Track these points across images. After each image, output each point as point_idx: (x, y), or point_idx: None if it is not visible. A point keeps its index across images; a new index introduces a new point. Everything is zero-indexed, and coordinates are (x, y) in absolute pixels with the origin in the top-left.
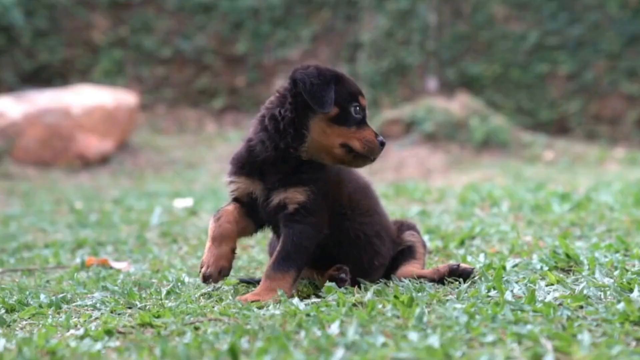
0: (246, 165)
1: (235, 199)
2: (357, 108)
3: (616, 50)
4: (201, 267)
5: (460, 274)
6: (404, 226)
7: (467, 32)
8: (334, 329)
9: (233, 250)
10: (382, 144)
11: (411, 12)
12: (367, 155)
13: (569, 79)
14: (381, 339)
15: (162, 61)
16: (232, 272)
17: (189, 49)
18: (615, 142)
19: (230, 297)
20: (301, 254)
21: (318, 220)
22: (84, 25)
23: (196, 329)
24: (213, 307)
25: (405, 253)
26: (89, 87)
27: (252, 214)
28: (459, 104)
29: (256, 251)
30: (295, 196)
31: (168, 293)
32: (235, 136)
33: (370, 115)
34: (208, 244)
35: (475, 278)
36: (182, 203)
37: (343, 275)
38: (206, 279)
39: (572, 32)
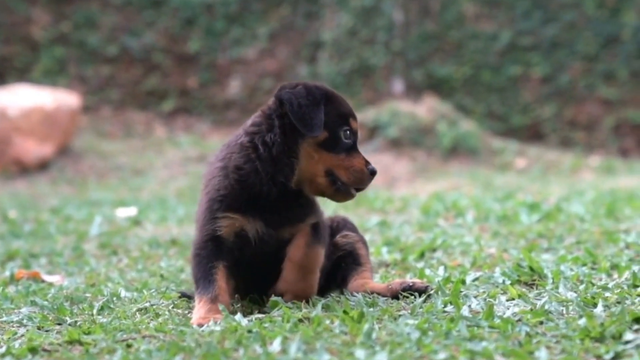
0: (241, 200)
1: (217, 237)
2: (348, 132)
3: (593, 52)
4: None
5: (414, 292)
6: (335, 224)
7: (435, 31)
8: (275, 346)
9: None
10: (373, 173)
11: (376, 9)
12: (352, 187)
13: (542, 82)
14: (326, 357)
15: (108, 60)
16: (173, 286)
17: (137, 47)
18: (591, 150)
19: (167, 313)
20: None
21: (324, 247)
22: (23, 20)
23: (128, 346)
24: (149, 323)
25: (348, 261)
26: (27, 86)
27: (232, 267)
28: (426, 108)
29: None
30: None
31: (101, 308)
32: (186, 141)
33: None
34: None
35: (432, 292)
36: (125, 212)
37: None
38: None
39: (547, 33)
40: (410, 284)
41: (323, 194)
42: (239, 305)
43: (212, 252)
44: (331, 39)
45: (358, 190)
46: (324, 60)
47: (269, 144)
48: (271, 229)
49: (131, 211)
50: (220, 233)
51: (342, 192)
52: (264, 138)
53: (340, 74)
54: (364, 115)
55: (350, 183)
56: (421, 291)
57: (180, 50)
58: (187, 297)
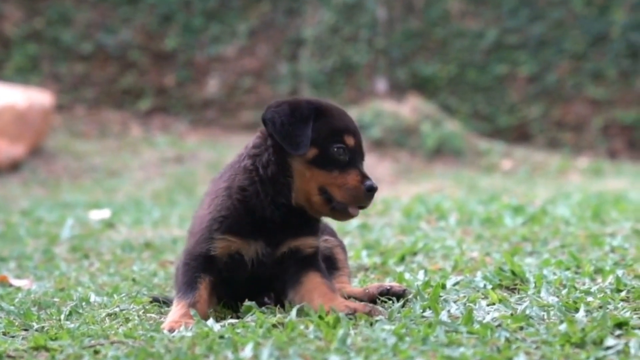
0: (243, 222)
1: (210, 256)
2: (341, 149)
3: (581, 51)
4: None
5: (392, 296)
6: None
7: (419, 28)
8: (247, 351)
9: None
10: (370, 190)
11: (358, 5)
12: (350, 206)
13: (529, 82)
14: None
15: (82, 57)
16: (145, 290)
17: (112, 44)
18: (578, 151)
19: (137, 318)
20: None
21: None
22: None
23: (96, 352)
24: (118, 328)
25: (326, 265)
26: None
27: (218, 284)
28: (410, 108)
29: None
30: (309, 242)
31: (69, 313)
32: (163, 141)
33: None
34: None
35: (411, 297)
36: (99, 215)
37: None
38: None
39: (534, 31)
40: (388, 288)
41: (321, 214)
42: (211, 310)
43: (201, 265)
44: (312, 36)
45: (361, 208)
46: (305, 58)
47: (265, 165)
48: (271, 248)
49: (104, 213)
50: (214, 253)
51: (338, 211)
52: (262, 159)
53: (322, 73)
54: None
55: (345, 201)
56: (399, 295)
57: (157, 48)
58: (159, 301)
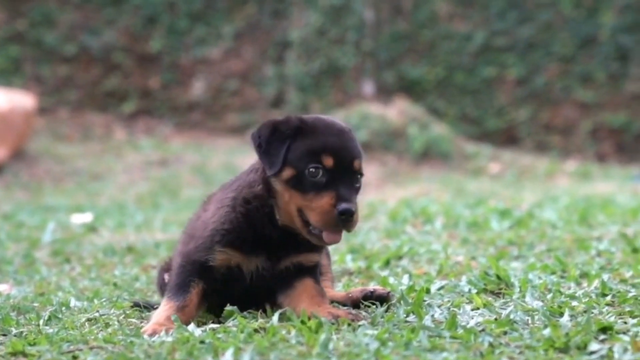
0: (244, 237)
1: (208, 266)
2: (318, 169)
3: (569, 53)
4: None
5: (376, 299)
6: None
7: (407, 31)
8: (227, 357)
9: None
10: (343, 214)
11: (346, 7)
12: (325, 231)
13: (518, 85)
14: None
15: (66, 59)
16: (126, 295)
17: (96, 46)
18: (567, 154)
19: (117, 323)
20: None
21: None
22: None
23: (74, 357)
24: (97, 333)
25: None
26: None
27: (211, 292)
28: (397, 111)
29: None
30: (311, 258)
31: (49, 318)
32: (147, 144)
33: None
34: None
35: (395, 302)
36: (81, 218)
37: None
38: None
39: (522, 33)
40: (371, 291)
41: (304, 236)
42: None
43: (197, 271)
44: (299, 38)
45: (347, 231)
46: (292, 60)
47: (256, 183)
48: (272, 263)
49: (87, 217)
50: (213, 264)
51: (315, 236)
52: (259, 176)
53: (309, 75)
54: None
55: (319, 226)
56: (383, 298)
57: (142, 50)
58: (140, 306)
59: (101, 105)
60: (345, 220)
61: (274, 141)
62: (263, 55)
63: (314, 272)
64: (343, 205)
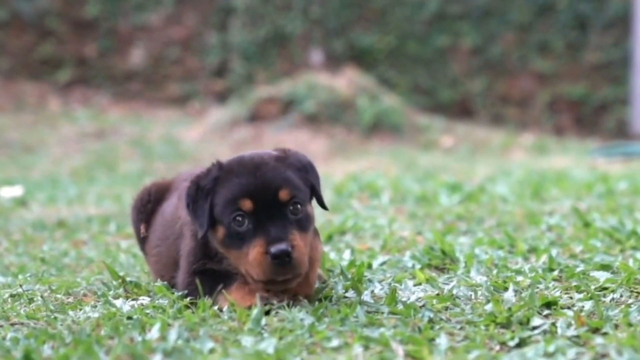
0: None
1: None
2: (240, 218)
3: (526, 22)
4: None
5: None
6: None
7: None
8: (154, 333)
9: None
10: (275, 257)
11: None
12: (270, 284)
13: (472, 54)
14: (209, 344)
15: None
16: (53, 270)
17: (29, 11)
18: (523, 127)
19: (41, 299)
20: None
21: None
22: None
23: None
24: (20, 309)
25: None
26: None
27: None
28: (346, 81)
29: (88, 248)
30: None
31: None
32: (83, 115)
33: (242, 92)
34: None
35: (334, 277)
36: (10, 192)
37: None
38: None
39: (477, 1)
40: None
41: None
42: (120, 290)
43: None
44: (243, 4)
45: (294, 276)
46: (236, 27)
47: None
48: None
49: (16, 191)
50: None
51: (272, 292)
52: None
53: (254, 43)
54: (278, 89)
55: (260, 279)
56: None
57: (77, 15)
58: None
59: (34, 73)
60: (280, 264)
61: (199, 199)
62: (205, 21)
63: None
64: (275, 248)
